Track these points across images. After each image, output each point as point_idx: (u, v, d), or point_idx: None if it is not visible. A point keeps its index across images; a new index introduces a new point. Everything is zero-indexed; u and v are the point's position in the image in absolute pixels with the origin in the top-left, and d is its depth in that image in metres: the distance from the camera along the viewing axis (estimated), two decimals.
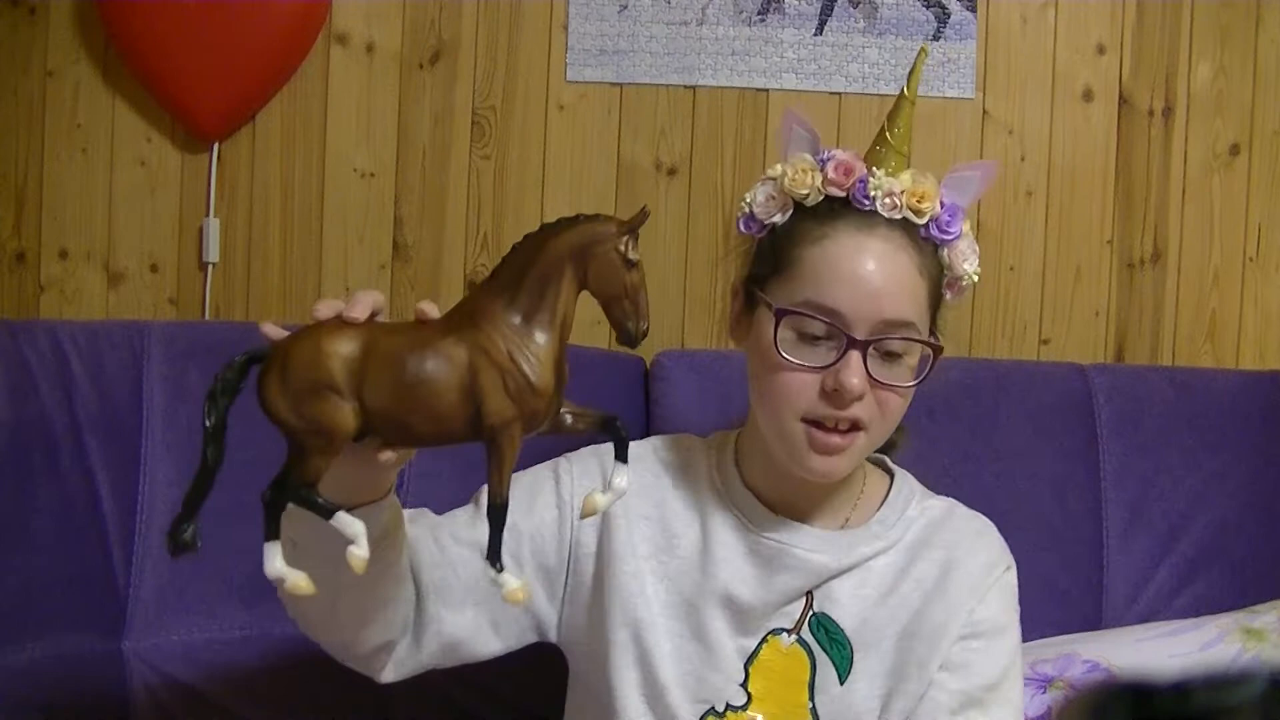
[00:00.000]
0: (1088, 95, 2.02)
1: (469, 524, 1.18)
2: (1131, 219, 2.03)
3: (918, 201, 1.14)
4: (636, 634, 1.19)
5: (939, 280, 1.18)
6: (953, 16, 1.99)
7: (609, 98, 2.00)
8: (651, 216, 0.90)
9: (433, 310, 0.91)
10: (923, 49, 1.20)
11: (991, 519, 1.27)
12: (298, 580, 0.88)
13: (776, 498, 1.22)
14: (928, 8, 1.99)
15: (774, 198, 1.17)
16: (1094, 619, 1.65)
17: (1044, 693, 1.47)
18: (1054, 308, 2.03)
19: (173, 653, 1.53)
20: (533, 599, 1.21)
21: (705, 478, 1.25)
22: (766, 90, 1.99)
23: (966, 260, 1.18)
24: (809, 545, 1.20)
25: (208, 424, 0.88)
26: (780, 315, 1.13)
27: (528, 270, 0.87)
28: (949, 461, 1.63)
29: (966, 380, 1.69)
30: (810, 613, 1.20)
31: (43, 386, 1.52)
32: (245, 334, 0.91)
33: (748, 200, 1.19)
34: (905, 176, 1.15)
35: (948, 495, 1.29)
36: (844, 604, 1.20)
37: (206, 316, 1.99)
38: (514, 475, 1.16)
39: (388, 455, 0.91)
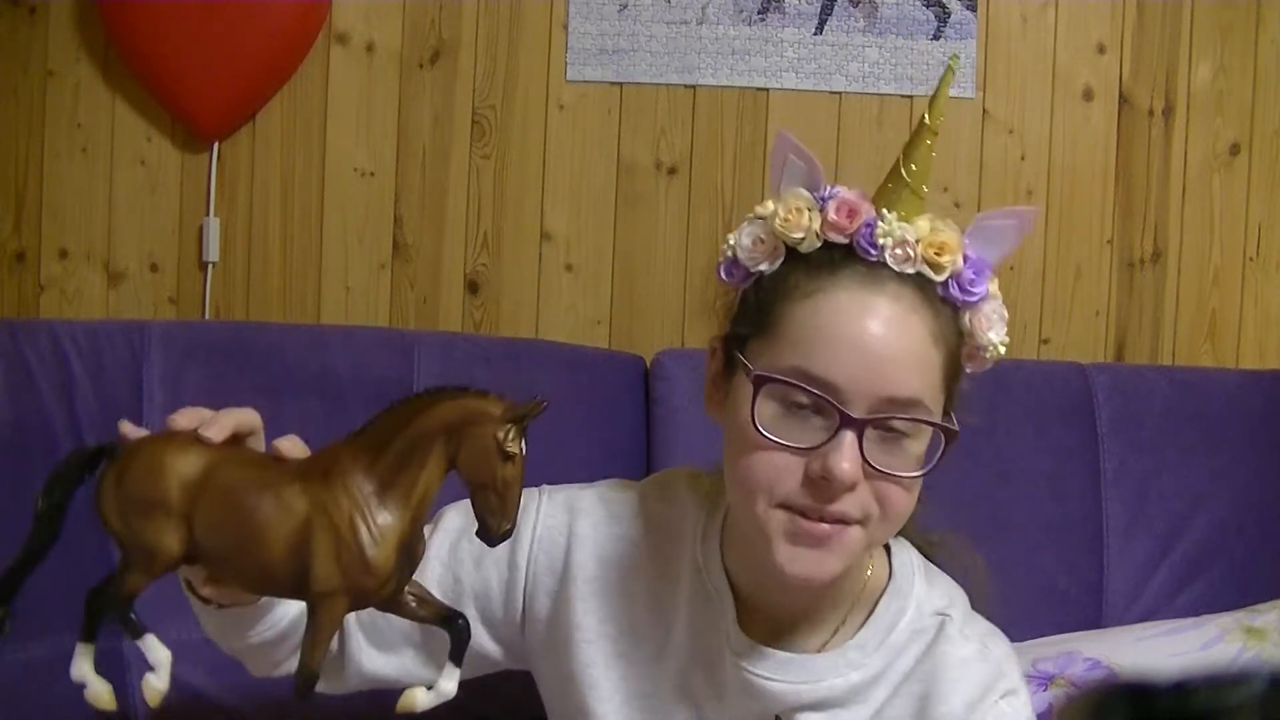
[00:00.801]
0: (1088, 95, 2.02)
1: None
2: (1131, 219, 2.03)
3: (935, 253, 0.95)
4: None
5: (957, 350, 0.98)
6: (953, 16, 1.99)
7: (609, 97, 2.00)
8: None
9: (294, 449, 0.84)
10: (950, 67, 1.01)
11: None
12: (100, 693, 0.83)
13: (758, 589, 1.05)
14: (928, 7, 1.99)
15: (762, 241, 0.98)
16: (1094, 619, 1.65)
17: (1045, 690, 1.47)
18: (1054, 307, 2.03)
19: (173, 653, 1.53)
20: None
21: (688, 551, 1.08)
22: (766, 90, 1.99)
23: (992, 327, 0.98)
24: (769, 671, 1.03)
25: (37, 507, 0.83)
26: (760, 383, 0.94)
27: (396, 436, 0.79)
28: (949, 461, 1.62)
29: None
30: None
31: (43, 386, 1.52)
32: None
33: (731, 243, 1.00)
34: (922, 223, 0.96)
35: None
36: None
37: (206, 316, 1.99)
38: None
39: (210, 592, 0.83)
